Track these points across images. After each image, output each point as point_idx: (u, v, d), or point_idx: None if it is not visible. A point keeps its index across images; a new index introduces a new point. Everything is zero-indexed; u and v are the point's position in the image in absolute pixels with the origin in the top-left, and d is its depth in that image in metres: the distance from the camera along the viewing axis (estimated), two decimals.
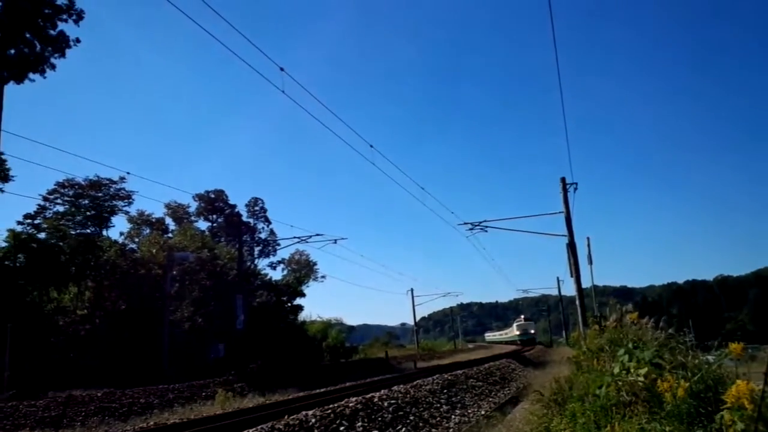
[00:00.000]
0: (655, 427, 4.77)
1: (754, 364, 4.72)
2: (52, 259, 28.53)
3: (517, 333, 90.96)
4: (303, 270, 55.91)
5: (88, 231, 36.76)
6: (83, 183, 36.17)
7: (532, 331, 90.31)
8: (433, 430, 12.75)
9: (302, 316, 51.32)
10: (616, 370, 6.89)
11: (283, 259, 57.56)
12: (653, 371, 6.17)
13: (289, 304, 47.90)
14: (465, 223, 28.56)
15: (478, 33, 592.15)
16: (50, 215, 34.80)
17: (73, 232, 34.16)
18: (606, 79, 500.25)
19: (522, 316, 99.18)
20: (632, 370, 6.48)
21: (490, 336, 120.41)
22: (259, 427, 9.67)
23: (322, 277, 58.95)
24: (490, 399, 18.51)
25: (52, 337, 25.77)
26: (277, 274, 54.71)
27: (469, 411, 15.63)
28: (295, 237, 33.12)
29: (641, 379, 6.06)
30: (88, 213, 37.53)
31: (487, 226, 28.44)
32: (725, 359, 5.46)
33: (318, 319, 55.32)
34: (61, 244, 30.83)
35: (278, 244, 53.99)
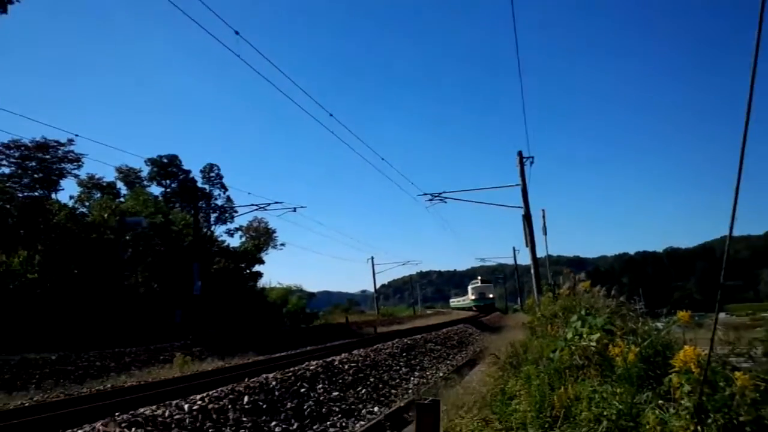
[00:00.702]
0: (607, 389, 4.96)
1: (701, 331, 4.93)
2: None
3: (473, 298, 79.81)
4: (261, 237, 55.45)
5: (36, 194, 35.56)
6: (30, 144, 34.86)
7: (491, 296, 79.52)
8: (393, 391, 13.01)
9: (262, 282, 51.17)
10: (570, 336, 7.12)
11: (241, 226, 56.98)
12: (605, 337, 6.40)
13: (248, 271, 47.60)
14: (425, 194, 28.68)
15: (439, 5, 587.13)
16: None
17: (20, 195, 32.99)
18: (564, 54, 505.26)
19: (479, 278, 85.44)
20: (585, 336, 6.71)
21: (453, 302, 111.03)
22: (219, 389, 9.68)
23: (282, 244, 58.59)
24: (448, 362, 18.94)
25: (2, 300, 24.99)
26: (234, 241, 54.22)
27: (428, 373, 15.98)
28: (253, 204, 32.47)
29: (593, 344, 6.28)
30: (35, 175, 36.26)
31: (446, 198, 28.63)
32: (674, 326, 5.70)
33: (278, 285, 55.22)
34: (8, 206, 29.74)
35: (236, 211, 53.40)
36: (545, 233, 28.04)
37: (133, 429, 7.23)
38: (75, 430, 6.86)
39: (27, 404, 10.86)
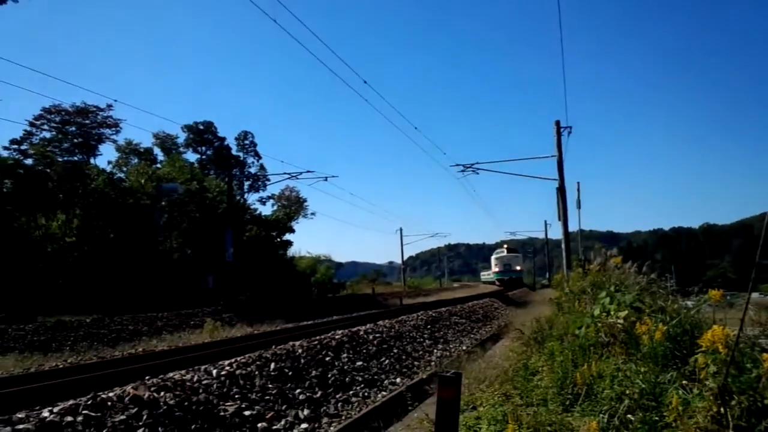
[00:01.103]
0: (631, 368, 4.89)
1: (732, 311, 4.81)
2: (39, 186, 28.31)
3: (496, 270, 68.01)
4: (293, 206, 55.93)
5: (76, 158, 36.46)
6: (70, 109, 35.62)
7: (518, 268, 67.83)
8: (416, 363, 13.11)
9: (291, 251, 51.80)
10: (597, 312, 7.03)
11: (273, 194, 57.53)
12: (633, 314, 6.29)
13: (279, 239, 48.18)
14: (457, 165, 28.38)
15: None
16: (37, 141, 34.35)
17: (60, 159, 33.81)
18: (606, 25, 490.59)
19: (504, 246, 71.53)
20: (612, 313, 6.61)
21: (484, 276, 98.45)
22: (246, 355, 9.87)
23: (312, 213, 59.12)
24: (472, 336, 18.98)
25: (40, 263, 25.83)
26: (266, 209, 54.80)
27: (451, 346, 16.04)
28: (285, 173, 32.75)
29: (620, 321, 6.18)
30: (75, 140, 37.14)
31: (478, 168, 28.30)
32: (704, 305, 5.56)
33: (307, 254, 55.81)
34: (48, 170, 30.53)
35: (268, 180, 53.91)
36: (579, 207, 27.50)
37: (162, 393, 7.42)
38: (107, 392, 7.07)
39: (61, 366, 11.27)
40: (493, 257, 71.35)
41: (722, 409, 3.41)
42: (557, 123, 26.00)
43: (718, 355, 3.62)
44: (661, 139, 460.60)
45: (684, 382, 4.04)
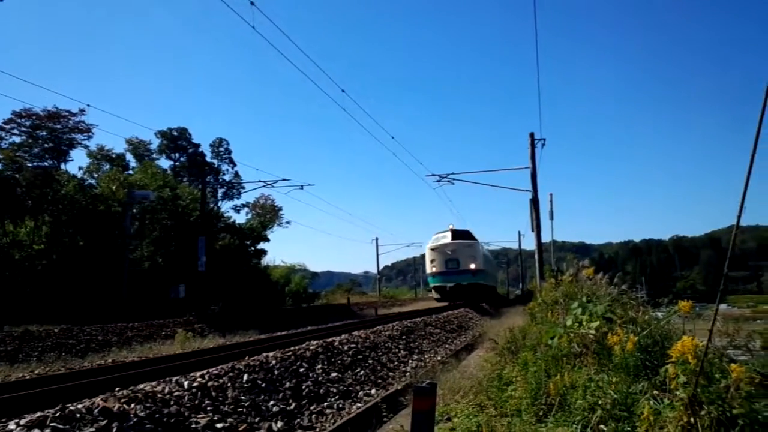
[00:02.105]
0: (603, 378, 4.96)
1: (701, 322, 4.90)
2: (7, 191, 27.63)
3: (434, 271, 40.03)
4: (268, 214, 55.51)
5: (46, 164, 35.70)
6: (41, 113, 34.93)
7: (473, 266, 38.53)
8: (391, 373, 13.08)
9: (266, 260, 51.27)
10: (569, 323, 7.12)
11: (248, 202, 57.11)
12: (604, 325, 6.39)
13: (253, 248, 47.72)
14: (433, 175, 28.56)
15: None
16: (6, 146, 33.59)
17: (29, 164, 33.07)
18: (580, 40, 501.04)
19: (449, 228, 40.65)
20: (584, 323, 6.70)
21: None
22: (219, 366, 9.74)
23: (287, 222, 58.82)
24: (447, 346, 19.01)
25: (7, 270, 25.19)
26: (241, 218, 54.32)
27: (426, 357, 16.05)
28: (260, 181, 32.66)
29: (592, 332, 6.28)
30: (45, 145, 36.39)
31: (454, 179, 28.55)
32: (674, 316, 5.68)
33: (281, 264, 55.36)
34: (17, 176, 29.81)
35: (243, 187, 53.61)
36: (552, 218, 27.89)
37: (132, 405, 7.27)
38: (75, 404, 6.91)
39: (28, 377, 10.98)
40: (428, 247, 41.97)
41: (692, 419, 3.48)
42: (531, 135, 26.37)
43: (687, 366, 3.69)
44: (633, 153, 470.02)
45: (655, 392, 4.11)
